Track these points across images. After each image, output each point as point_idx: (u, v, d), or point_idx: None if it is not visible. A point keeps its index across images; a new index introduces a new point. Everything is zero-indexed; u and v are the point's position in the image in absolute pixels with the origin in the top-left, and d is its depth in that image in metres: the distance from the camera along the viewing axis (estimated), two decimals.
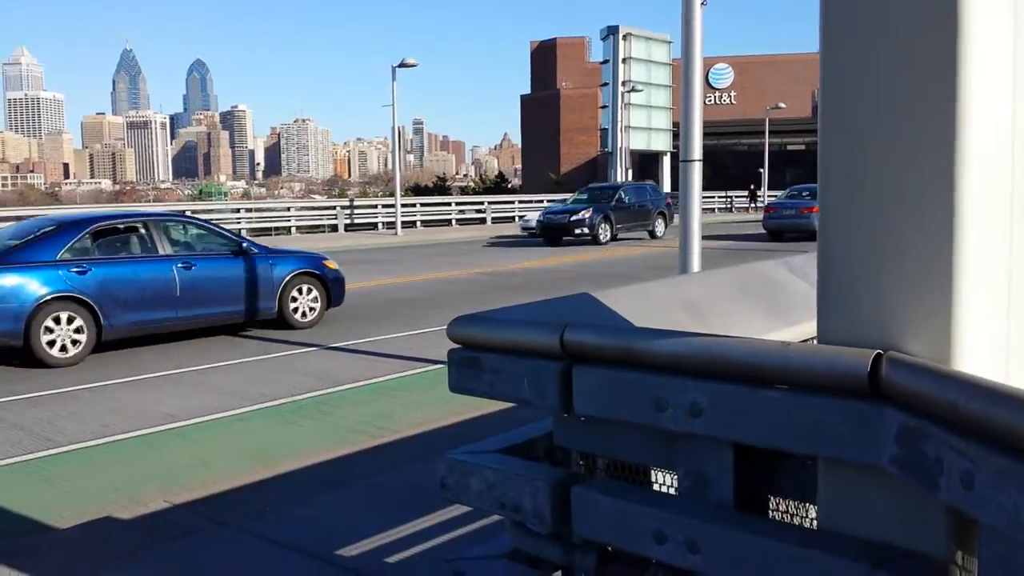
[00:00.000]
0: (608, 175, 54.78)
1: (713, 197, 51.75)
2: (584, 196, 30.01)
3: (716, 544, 1.58)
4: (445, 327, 2.16)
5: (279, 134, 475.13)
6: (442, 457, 2.14)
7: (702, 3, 7.96)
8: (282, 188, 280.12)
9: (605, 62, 55.53)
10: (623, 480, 2.07)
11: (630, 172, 49.57)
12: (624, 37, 53.55)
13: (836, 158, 1.47)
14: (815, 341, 1.61)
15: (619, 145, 48.87)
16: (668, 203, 31.44)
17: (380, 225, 36.61)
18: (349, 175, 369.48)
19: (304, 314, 12.12)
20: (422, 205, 39.58)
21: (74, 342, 9.91)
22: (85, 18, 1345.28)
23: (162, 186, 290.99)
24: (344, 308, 12.75)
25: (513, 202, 44.19)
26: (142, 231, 11.13)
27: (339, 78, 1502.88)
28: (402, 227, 34.52)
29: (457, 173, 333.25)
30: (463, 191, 61.37)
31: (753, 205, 51.89)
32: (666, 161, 57.64)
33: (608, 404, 1.77)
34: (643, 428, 1.75)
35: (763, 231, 28.54)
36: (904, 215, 1.37)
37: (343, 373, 9.16)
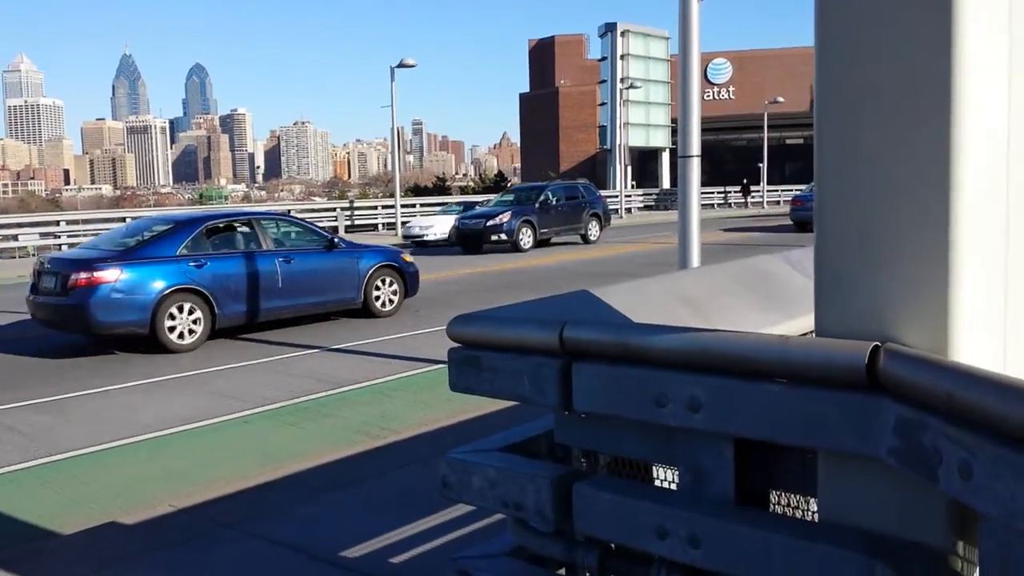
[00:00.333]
0: (607, 172, 54.83)
1: (712, 193, 51.71)
2: (510, 197, 27.63)
3: (717, 538, 1.59)
4: (444, 327, 2.16)
5: (279, 137, 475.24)
6: (443, 456, 2.14)
7: None
8: (282, 191, 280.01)
9: (603, 59, 55.58)
10: (625, 476, 2.07)
11: (629, 169, 49.55)
12: (622, 34, 53.60)
13: (831, 151, 1.47)
14: (814, 334, 1.61)
15: (618, 142, 48.88)
16: (604, 203, 29.50)
17: (380, 226, 36.56)
18: (349, 176, 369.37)
19: (385, 304, 13.15)
20: (422, 205, 39.55)
21: (191, 331, 10.87)
22: (84, 24, 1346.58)
23: (163, 191, 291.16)
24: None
25: None
26: (247, 229, 12.21)
27: (338, 80, 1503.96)
28: (402, 228, 34.50)
29: (457, 173, 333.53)
30: (463, 191, 61.32)
31: (745, 201, 51.73)
32: (665, 157, 57.66)
33: (608, 400, 1.77)
34: (643, 424, 1.75)
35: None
36: (899, 207, 1.37)
37: (345, 374, 9.17)
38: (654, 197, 51.35)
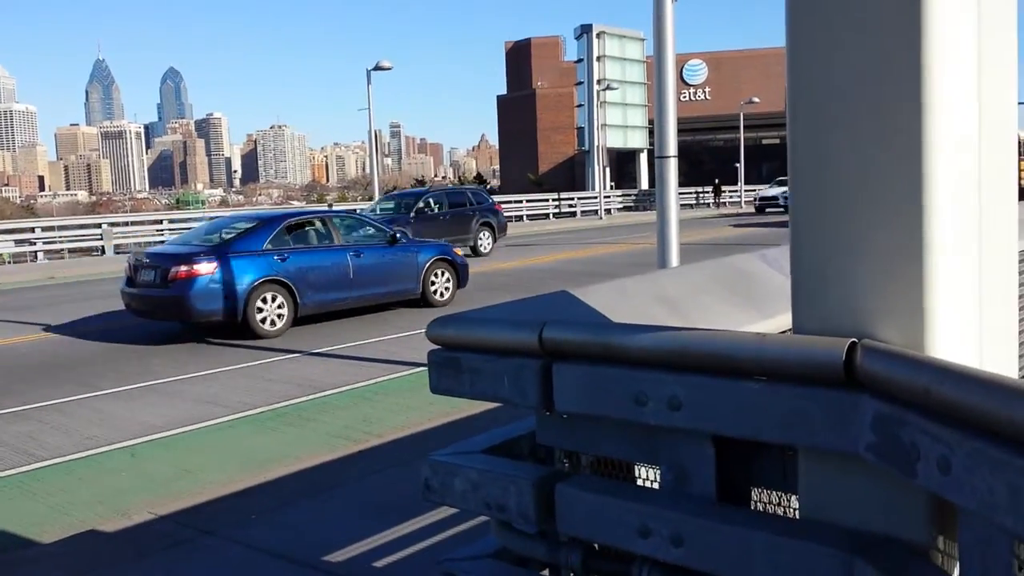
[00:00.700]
0: (586, 173, 54.97)
1: (691, 193, 51.96)
2: (390, 205, 24.80)
3: (699, 536, 1.59)
4: (424, 329, 2.15)
5: (256, 141, 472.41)
6: (425, 459, 2.13)
7: None
8: (260, 195, 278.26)
9: (580, 61, 55.71)
10: (607, 476, 2.07)
11: (607, 170, 49.68)
12: (598, 35, 53.75)
13: (804, 149, 1.48)
14: (792, 332, 1.62)
15: (596, 143, 48.98)
16: (498, 210, 26.07)
17: None
18: (327, 180, 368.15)
19: (441, 294, 14.13)
20: None
21: (279, 317, 11.91)
22: (56, 29, 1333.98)
23: (139, 196, 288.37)
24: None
25: None
26: (322, 225, 13.25)
27: (315, 83, 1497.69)
28: None
29: (436, 175, 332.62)
30: None
31: (716, 201, 52.01)
32: (643, 158, 57.82)
33: (588, 400, 1.77)
34: (624, 423, 1.75)
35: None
36: (873, 206, 1.38)
37: (325, 379, 9.13)
38: (633, 198, 51.55)
